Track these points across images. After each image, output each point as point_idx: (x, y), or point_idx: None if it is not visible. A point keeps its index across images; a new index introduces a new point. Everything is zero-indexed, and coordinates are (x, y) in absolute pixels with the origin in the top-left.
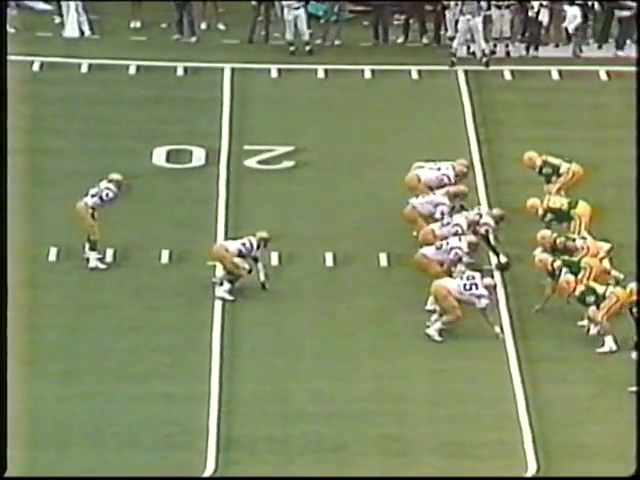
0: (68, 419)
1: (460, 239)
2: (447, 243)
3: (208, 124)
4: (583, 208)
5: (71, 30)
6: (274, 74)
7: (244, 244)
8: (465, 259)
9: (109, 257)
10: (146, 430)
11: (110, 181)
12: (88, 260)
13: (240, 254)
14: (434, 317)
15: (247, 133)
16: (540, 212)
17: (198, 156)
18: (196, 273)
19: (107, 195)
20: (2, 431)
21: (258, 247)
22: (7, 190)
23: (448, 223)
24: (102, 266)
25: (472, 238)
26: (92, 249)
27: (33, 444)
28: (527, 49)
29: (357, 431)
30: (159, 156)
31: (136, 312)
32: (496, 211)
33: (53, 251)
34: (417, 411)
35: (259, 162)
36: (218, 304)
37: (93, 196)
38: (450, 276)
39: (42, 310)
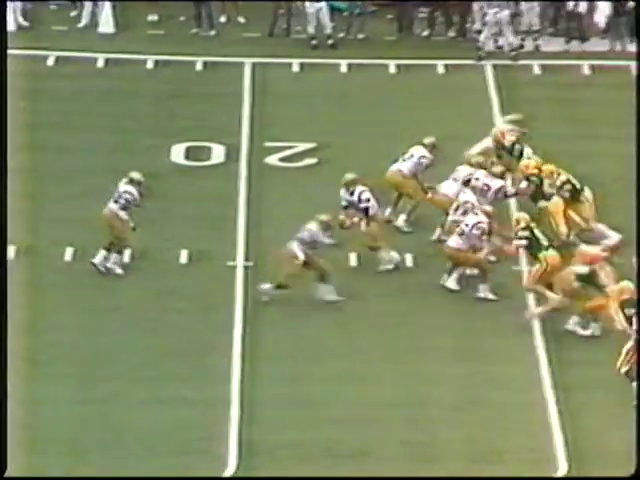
0: (83, 423)
1: (476, 213)
2: (466, 225)
3: (228, 120)
4: (555, 205)
5: (106, 26)
6: (296, 68)
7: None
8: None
9: (126, 257)
10: (164, 435)
11: (130, 182)
12: (105, 262)
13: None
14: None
15: (268, 129)
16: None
17: (218, 153)
18: (216, 273)
19: (129, 199)
20: (2, 431)
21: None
22: (7, 189)
23: (457, 207)
24: (119, 271)
25: (486, 208)
26: (117, 252)
27: (48, 449)
28: (567, 42)
29: (380, 436)
30: (177, 153)
31: (154, 314)
32: (474, 158)
33: (69, 251)
34: (443, 416)
35: (280, 159)
36: (239, 305)
37: (116, 201)
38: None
39: (58, 311)
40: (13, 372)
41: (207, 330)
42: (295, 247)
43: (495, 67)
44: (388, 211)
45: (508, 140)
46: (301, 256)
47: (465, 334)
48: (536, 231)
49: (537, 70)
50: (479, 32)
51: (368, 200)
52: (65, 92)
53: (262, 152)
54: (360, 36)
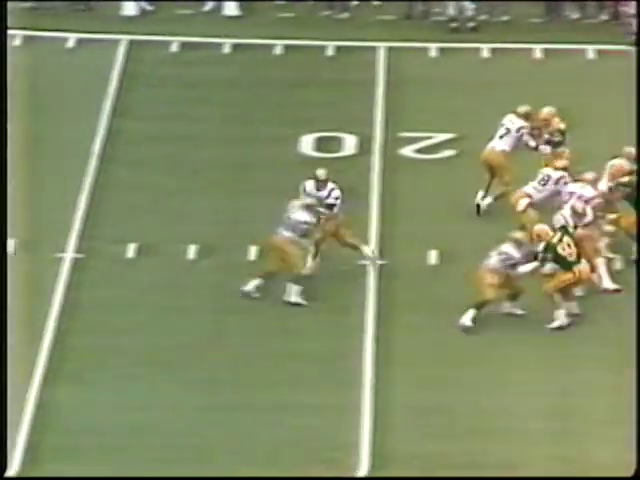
0: (208, 430)
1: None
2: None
3: (360, 109)
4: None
5: (232, 9)
6: (433, 53)
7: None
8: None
9: (253, 255)
10: (291, 443)
11: (306, 207)
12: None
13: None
14: None
15: (403, 119)
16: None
17: (349, 144)
18: (347, 271)
19: (307, 229)
20: (2, 431)
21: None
22: (7, 183)
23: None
24: (303, 302)
25: (575, 204)
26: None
27: (172, 456)
28: None
29: (524, 450)
30: (307, 144)
31: (281, 315)
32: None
33: (192, 248)
34: (594, 430)
35: (416, 151)
36: (371, 306)
37: (293, 230)
38: None
39: (180, 313)
40: (138, 376)
41: (337, 332)
42: (494, 264)
43: None
44: (480, 195)
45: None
46: (499, 274)
47: (618, 342)
48: (559, 248)
49: None
50: (634, 16)
51: (337, 199)
52: (189, 80)
53: (396, 143)
54: (504, 18)
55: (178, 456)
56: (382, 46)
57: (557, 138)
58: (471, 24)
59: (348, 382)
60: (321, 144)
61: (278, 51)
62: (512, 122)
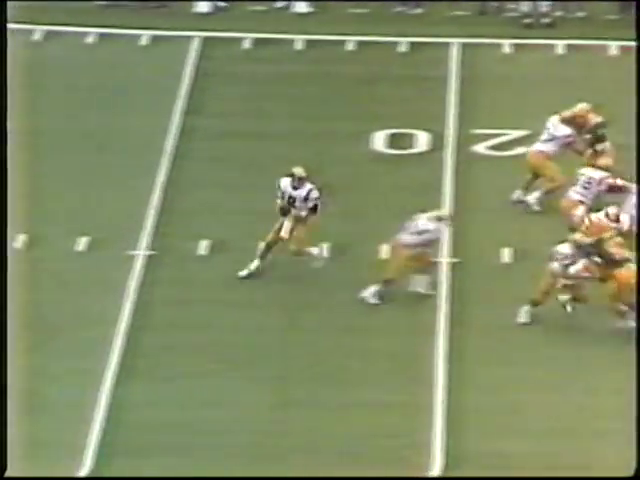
0: (280, 427)
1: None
2: None
3: (433, 105)
4: None
5: (303, 5)
6: (507, 50)
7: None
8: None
9: (325, 252)
10: (362, 442)
11: (438, 219)
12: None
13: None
14: None
15: (476, 115)
16: None
17: (422, 141)
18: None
19: (431, 238)
20: (2, 431)
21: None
22: (7, 180)
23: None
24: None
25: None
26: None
27: (243, 454)
28: None
29: (599, 450)
30: (379, 141)
31: (353, 312)
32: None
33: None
34: None
35: (489, 148)
36: (443, 305)
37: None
38: None
39: (252, 310)
40: (211, 373)
41: (410, 331)
42: (556, 268)
43: None
44: (517, 193)
45: None
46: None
47: None
48: (608, 244)
49: None
50: None
51: (317, 199)
52: (261, 76)
53: (469, 140)
54: (579, 14)
55: (249, 454)
56: (455, 42)
57: (598, 133)
58: (546, 20)
59: (421, 380)
60: (393, 141)
61: (350, 47)
62: (556, 128)
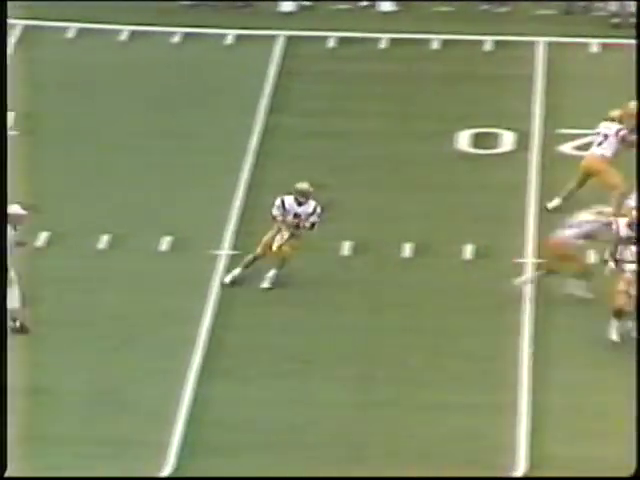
0: (361, 428)
1: None
2: None
3: (518, 104)
4: None
5: (387, 4)
6: (594, 49)
7: None
8: None
9: (408, 252)
10: (446, 444)
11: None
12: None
13: None
14: None
15: (562, 115)
16: None
17: (506, 140)
18: (502, 270)
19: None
20: (2, 431)
21: None
22: (7, 178)
23: None
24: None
25: None
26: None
27: (323, 454)
28: None
29: None
30: (463, 140)
31: (438, 313)
32: None
33: (347, 245)
34: None
35: (576, 148)
36: (528, 304)
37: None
38: None
39: (334, 309)
40: (293, 373)
41: (494, 331)
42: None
43: None
44: (555, 201)
45: None
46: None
47: None
48: None
49: None
50: None
51: (320, 215)
52: (345, 75)
53: (555, 140)
54: None
55: (331, 454)
56: (541, 41)
57: None
58: (634, 19)
59: (504, 382)
60: (478, 140)
61: (435, 46)
62: (608, 127)
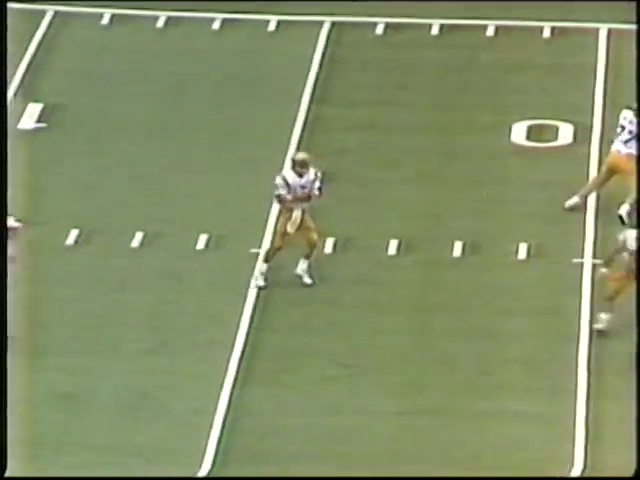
0: (406, 437)
1: None
2: None
3: (578, 95)
4: None
5: None
6: None
7: None
8: None
9: (458, 251)
10: (496, 453)
11: None
12: None
13: None
14: None
15: (623, 106)
16: None
17: (565, 133)
18: (558, 271)
19: None
20: (2, 431)
21: None
22: (7, 176)
23: None
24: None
25: None
26: None
27: (367, 463)
28: None
29: None
30: (518, 132)
31: (485, 315)
32: None
33: (393, 243)
34: None
35: None
36: (585, 310)
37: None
38: None
39: (379, 311)
40: (334, 378)
41: (548, 335)
42: None
43: None
44: (574, 199)
45: None
46: None
47: None
48: None
49: None
50: None
51: (321, 180)
52: (395, 63)
53: (616, 133)
54: None
55: (374, 463)
56: (603, 27)
57: None
58: None
59: (559, 390)
60: (534, 132)
61: (490, 33)
62: (632, 123)
